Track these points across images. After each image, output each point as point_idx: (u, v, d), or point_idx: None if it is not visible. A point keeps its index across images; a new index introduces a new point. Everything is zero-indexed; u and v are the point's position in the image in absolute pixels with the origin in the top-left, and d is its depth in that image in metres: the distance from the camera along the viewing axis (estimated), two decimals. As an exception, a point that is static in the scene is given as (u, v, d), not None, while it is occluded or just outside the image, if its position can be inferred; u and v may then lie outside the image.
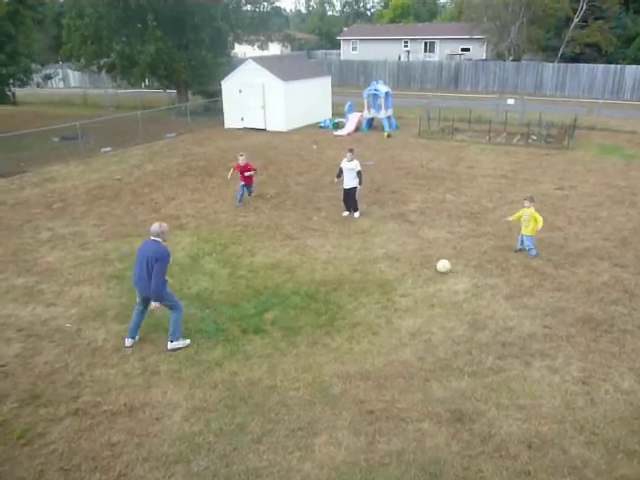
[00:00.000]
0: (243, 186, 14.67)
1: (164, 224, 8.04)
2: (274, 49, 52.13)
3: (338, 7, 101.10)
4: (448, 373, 7.52)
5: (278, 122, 25.09)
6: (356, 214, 13.53)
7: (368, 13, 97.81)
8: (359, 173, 13.13)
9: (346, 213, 13.62)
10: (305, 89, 26.02)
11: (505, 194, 15.32)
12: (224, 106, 26.89)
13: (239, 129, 25.83)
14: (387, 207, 14.35)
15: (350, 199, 13.48)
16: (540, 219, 10.92)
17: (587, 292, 9.74)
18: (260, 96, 25.07)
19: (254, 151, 21.20)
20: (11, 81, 24.81)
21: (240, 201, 14.70)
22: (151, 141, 23.72)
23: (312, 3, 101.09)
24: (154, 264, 7.61)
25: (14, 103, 24.93)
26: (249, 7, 32.26)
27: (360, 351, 8.06)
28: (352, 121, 24.93)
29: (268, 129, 25.35)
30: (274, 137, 23.64)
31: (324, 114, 27.44)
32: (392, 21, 73.01)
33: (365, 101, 25.01)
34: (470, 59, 47.06)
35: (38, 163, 20.26)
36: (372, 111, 24.98)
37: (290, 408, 6.87)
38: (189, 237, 12.51)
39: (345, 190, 13.48)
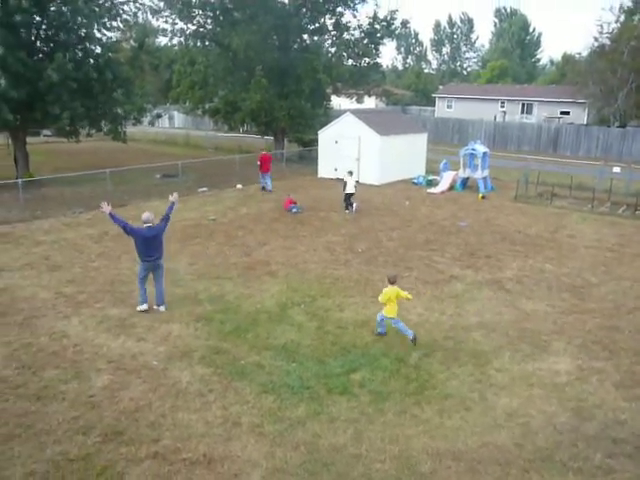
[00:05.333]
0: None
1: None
2: (369, 102, 52.92)
3: (434, 65, 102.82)
4: (550, 466, 6.81)
5: (372, 175, 25.10)
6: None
7: (464, 72, 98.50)
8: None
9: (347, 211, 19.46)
10: (400, 144, 25.98)
11: (610, 269, 14.29)
12: (319, 155, 27.33)
13: (331, 179, 26.02)
14: (481, 272, 13.73)
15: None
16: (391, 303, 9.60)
17: None
18: (356, 148, 25.28)
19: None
20: (126, 119, 26.47)
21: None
22: (246, 184, 24.31)
23: (409, 60, 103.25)
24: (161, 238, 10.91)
25: (124, 141, 26.53)
26: (350, 62, 33.04)
27: (452, 427, 7.49)
28: (446, 179, 24.52)
29: (361, 181, 25.32)
30: (367, 190, 23.51)
31: (418, 170, 27.21)
32: (489, 82, 72.82)
33: (461, 160, 24.60)
34: (572, 123, 45.70)
35: (139, 197, 21.25)
36: (468, 171, 24.48)
37: (375, 482, 6.42)
38: (278, 285, 12.42)
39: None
